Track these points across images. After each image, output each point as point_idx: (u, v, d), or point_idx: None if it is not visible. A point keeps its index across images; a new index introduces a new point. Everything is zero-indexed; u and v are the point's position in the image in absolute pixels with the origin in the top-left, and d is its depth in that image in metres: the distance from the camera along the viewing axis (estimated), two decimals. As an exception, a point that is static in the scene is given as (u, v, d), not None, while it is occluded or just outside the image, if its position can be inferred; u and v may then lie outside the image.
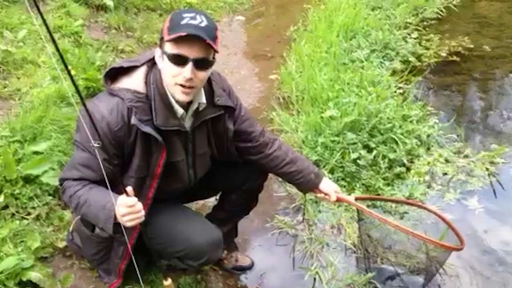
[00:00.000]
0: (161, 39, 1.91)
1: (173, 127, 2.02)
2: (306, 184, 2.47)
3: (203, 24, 1.85)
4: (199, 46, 1.85)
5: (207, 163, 2.36)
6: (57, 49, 1.58)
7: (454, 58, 5.42)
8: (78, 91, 1.69)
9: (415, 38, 5.79)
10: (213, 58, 1.95)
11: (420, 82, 4.83)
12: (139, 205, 1.87)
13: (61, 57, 1.59)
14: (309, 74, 4.44)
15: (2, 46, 3.85)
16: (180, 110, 2.02)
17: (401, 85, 4.65)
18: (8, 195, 2.66)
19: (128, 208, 1.85)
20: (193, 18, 1.85)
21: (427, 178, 3.50)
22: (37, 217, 2.69)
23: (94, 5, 5.29)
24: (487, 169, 3.61)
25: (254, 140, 2.36)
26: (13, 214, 2.64)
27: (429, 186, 3.45)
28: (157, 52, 1.96)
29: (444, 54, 5.50)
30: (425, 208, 2.83)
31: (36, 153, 2.91)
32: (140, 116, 1.94)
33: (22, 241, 2.50)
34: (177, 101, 1.99)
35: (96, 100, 2.02)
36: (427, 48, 5.62)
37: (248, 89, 4.86)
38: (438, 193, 3.41)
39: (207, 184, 2.46)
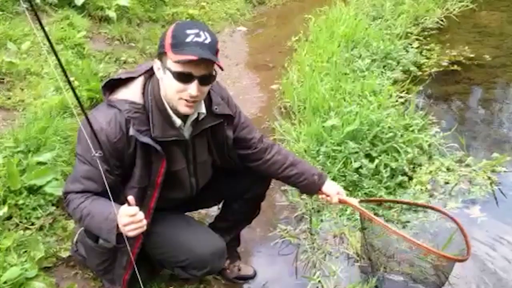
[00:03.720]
0: (163, 53, 1.90)
1: (171, 138, 2.04)
2: (310, 186, 2.46)
3: (207, 41, 1.86)
4: (205, 64, 1.88)
5: (209, 171, 2.37)
6: (59, 62, 1.59)
7: (455, 67, 5.43)
8: (79, 103, 1.70)
9: (416, 48, 5.80)
10: (215, 71, 1.97)
11: (421, 91, 4.84)
12: (141, 215, 1.88)
13: (63, 69, 1.60)
14: (311, 84, 4.46)
15: (6, 58, 3.88)
16: (178, 121, 2.04)
17: (402, 94, 4.67)
18: (12, 205, 2.68)
19: (129, 217, 1.86)
20: (198, 35, 1.86)
21: (429, 187, 3.50)
22: (41, 227, 2.70)
23: (97, 16, 5.34)
24: (488, 177, 3.61)
25: (253, 146, 2.37)
26: (17, 225, 2.66)
27: (431, 195, 3.45)
28: (156, 64, 1.97)
29: (445, 64, 5.52)
30: (433, 209, 2.79)
31: (39, 163, 2.93)
32: (138, 126, 1.96)
33: (25, 251, 2.52)
34: (176, 113, 2.01)
35: (95, 111, 2.03)
36: (428, 58, 5.64)
37: (250, 99, 4.88)
38: (440, 202, 3.40)
39: (210, 193, 2.47)
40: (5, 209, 2.64)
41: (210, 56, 1.85)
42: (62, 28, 4.75)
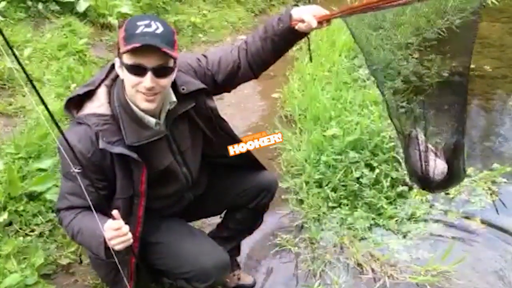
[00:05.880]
0: (118, 49, 1.87)
1: (147, 140, 1.98)
2: (280, 26, 2.14)
3: (159, 31, 1.81)
4: (157, 54, 1.81)
5: (197, 157, 2.29)
6: (30, 81, 1.62)
7: (456, 78, 5.43)
8: (52, 117, 1.72)
9: (416, 58, 5.82)
10: (174, 63, 1.92)
11: (421, 101, 4.84)
12: (126, 228, 1.85)
13: (34, 87, 1.63)
14: (312, 93, 4.47)
15: (8, 64, 3.89)
16: (152, 120, 1.98)
17: (403, 104, 4.67)
18: (12, 212, 2.68)
19: (114, 231, 1.84)
20: (148, 25, 1.81)
21: (429, 197, 3.49)
22: (41, 234, 2.70)
23: (99, 23, 5.36)
24: (489, 188, 3.61)
25: (237, 64, 2.27)
26: (17, 231, 2.66)
27: (431, 206, 3.44)
28: (116, 62, 1.93)
29: (445, 74, 5.53)
30: None
31: (40, 170, 2.93)
32: (109, 138, 1.91)
33: (25, 258, 2.51)
34: (143, 111, 1.95)
35: (67, 131, 1.97)
36: (428, 68, 5.65)
37: (251, 108, 4.88)
38: (440, 212, 3.40)
39: (214, 202, 2.47)
40: (5, 215, 2.64)
41: (157, 42, 1.78)
42: (64, 34, 4.77)
